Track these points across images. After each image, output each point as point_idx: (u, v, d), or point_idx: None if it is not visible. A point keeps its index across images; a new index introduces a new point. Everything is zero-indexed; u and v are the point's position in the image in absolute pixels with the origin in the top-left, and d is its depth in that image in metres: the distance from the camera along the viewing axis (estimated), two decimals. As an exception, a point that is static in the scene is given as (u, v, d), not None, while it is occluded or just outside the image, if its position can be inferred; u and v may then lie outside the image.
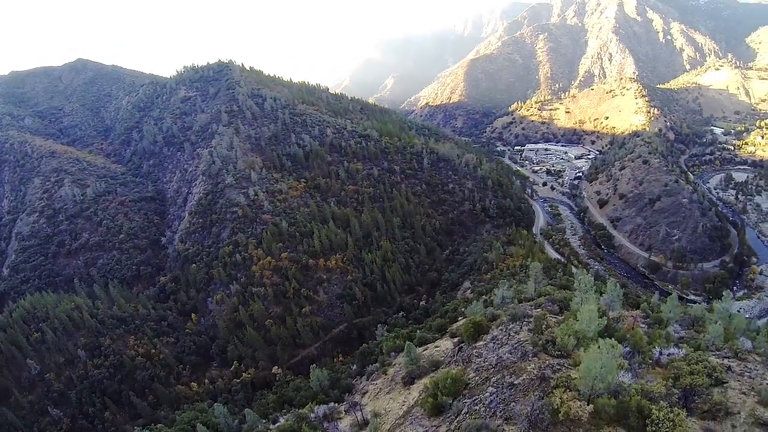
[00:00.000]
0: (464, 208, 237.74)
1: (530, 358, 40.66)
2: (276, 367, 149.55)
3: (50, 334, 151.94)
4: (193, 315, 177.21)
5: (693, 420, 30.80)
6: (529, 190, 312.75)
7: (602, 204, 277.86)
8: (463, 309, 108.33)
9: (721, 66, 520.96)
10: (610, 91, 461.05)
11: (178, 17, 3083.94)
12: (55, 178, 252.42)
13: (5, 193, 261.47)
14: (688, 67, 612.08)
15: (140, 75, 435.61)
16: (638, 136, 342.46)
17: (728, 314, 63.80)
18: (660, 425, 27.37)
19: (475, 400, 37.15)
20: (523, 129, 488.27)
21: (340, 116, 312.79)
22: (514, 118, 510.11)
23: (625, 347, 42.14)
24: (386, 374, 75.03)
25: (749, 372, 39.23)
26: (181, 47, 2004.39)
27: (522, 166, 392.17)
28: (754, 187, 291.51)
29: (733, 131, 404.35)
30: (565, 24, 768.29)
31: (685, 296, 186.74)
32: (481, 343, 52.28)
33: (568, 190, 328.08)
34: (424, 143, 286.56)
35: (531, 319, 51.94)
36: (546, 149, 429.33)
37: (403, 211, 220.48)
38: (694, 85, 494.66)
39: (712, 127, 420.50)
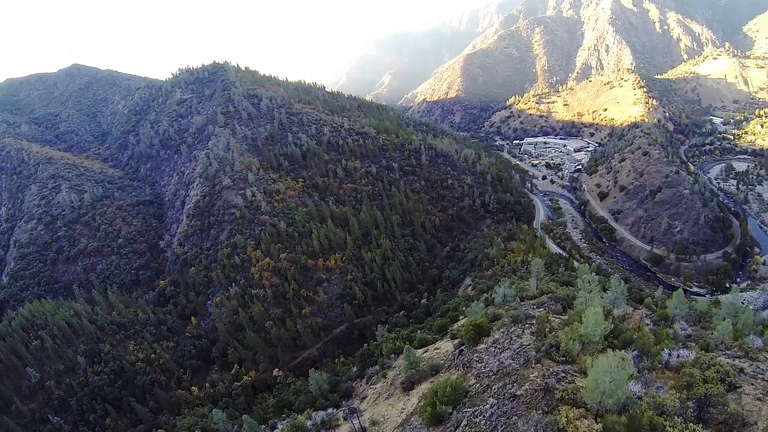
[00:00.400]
0: (464, 204, 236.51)
1: (533, 365, 38.83)
2: (277, 369, 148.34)
3: (49, 342, 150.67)
4: (192, 318, 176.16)
5: (708, 433, 29.17)
6: (529, 184, 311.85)
7: (603, 197, 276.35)
8: (464, 308, 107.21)
9: (719, 55, 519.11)
10: (608, 83, 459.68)
11: (175, 19, 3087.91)
12: (53, 184, 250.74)
13: (3, 200, 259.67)
14: (685, 56, 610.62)
15: (136, 78, 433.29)
16: (637, 128, 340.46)
17: (735, 309, 62.68)
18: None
19: (475, 411, 35.56)
20: (521, 123, 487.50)
21: (337, 114, 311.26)
22: (512, 112, 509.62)
23: (633, 351, 40.78)
24: (386, 378, 73.85)
25: (762, 374, 38.17)
26: (178, 48, 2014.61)
27: (521, 160, 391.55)
28: (755, 177, 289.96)
29: (732, 120, 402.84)
30: (560, 16, 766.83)
31: (688, 288, 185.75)
32: (482, 346, 50.65)
33: (568, 184, 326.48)
34: (422, 139, 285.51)
35: (533, 321, 50.29)
36: (545, 142, 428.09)
37: (402, 209, 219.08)
38: (692, 74, 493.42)
39: (711, 117, 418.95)
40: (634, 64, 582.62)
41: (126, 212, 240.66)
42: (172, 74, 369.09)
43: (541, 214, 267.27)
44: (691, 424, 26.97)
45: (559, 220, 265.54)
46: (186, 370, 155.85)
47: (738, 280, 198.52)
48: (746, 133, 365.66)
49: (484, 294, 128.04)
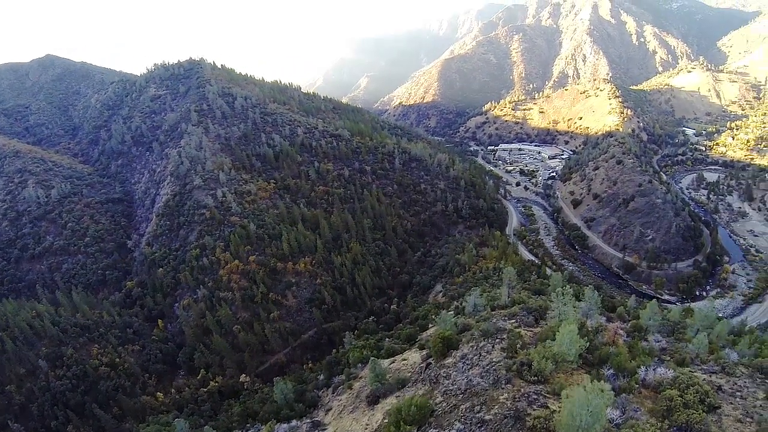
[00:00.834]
0: (436, 209, 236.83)
1: (503, 385, 37.67)
2: (244, 375, 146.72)
3: (10, 344, 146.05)
4: (159, 321, 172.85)
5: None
6: (503, 191, 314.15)
7: (576, 204, 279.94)
8: (433, 316, 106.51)
9: (693, 68, 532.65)
10: (584, 92, 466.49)
11: (152, 15, 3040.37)
12: (19, 179, 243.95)
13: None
14: (660, 69, 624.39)
15: (110, 72, 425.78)
16: (612, 137, 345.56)
17: (709, 321, 63.80)
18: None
19: (441, 436, 35.11)
20: (496, 129, 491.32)
21: (311, 116, 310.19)
22: (487, 118, 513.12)
23: (609, 368, 40.60)
24: (352, 389, 73.46)
25: (740, 391, 38.96)
26: (154, 45, 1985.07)
27: (495, 166, 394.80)
28: (725, 187, 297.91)
29: (704, 132, 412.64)
30: (539, 25, 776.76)
31: (659, 296, 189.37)
32: (449, 360, 49.90)
33: (541, 191, 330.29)
34: (396, 143, 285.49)
35: (504, 336, 49.62)
36: (519, 149, 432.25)
37: (374, 213, 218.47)
38: (666, 86, 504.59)
39: (684, 128, 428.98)
40: (611, 75, 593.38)
41: (94, 210, 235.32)
42: (147, 69, 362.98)
43: (514, 221, 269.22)
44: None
45: (532, 227, 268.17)
46: (151, 374, 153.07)
47: (708, 288, 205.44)
48: (717, 144, 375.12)
49: (455, 301, 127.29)
